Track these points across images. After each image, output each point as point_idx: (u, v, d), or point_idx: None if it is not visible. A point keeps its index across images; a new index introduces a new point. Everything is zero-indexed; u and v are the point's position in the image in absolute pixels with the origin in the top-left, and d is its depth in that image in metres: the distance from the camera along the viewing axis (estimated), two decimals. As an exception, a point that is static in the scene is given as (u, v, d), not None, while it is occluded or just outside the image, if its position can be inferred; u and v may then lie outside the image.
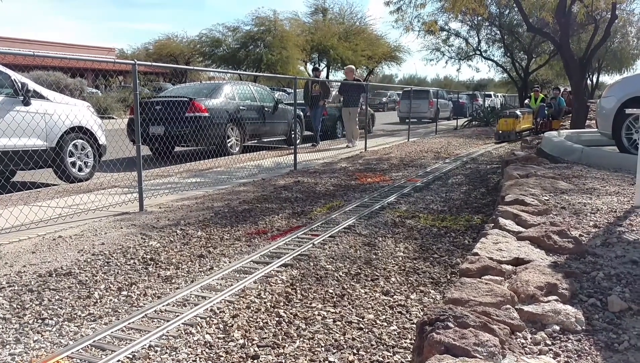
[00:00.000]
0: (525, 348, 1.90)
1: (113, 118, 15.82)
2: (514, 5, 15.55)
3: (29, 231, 4.66)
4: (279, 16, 33.25)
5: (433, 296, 3.10)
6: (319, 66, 38.59)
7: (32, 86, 6.77)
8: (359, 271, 3.56)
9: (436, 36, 27.24)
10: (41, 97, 6.87)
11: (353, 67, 13.20)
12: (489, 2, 18.80)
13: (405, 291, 3.20)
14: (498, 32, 27.65)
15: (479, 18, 24.42)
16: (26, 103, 6.53)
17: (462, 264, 2.66)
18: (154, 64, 7.05)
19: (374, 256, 3.88)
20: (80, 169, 7.47)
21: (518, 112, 15.01)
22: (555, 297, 2.27)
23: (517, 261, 2.74)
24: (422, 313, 2.76)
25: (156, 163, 9.61)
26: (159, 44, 38.97)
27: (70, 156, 7.25)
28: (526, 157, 6.78)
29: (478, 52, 29.60)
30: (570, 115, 16.74)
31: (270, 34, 31.77)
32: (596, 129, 8.10)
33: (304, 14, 37.67)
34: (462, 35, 29.15)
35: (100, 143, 7.73)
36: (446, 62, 31.76)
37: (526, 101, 15.93)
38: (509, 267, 2.67)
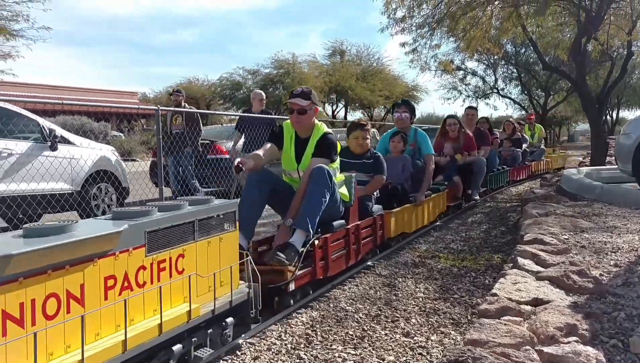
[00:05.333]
0: (546, 390, 1.91)
1: (136, 161, 16.16)
2: (530, 44, 15.72)
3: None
4: (297, 59, 33.93)
5: (454, 338, 3.09)
6: (334, 104, 38.82)
7: (59, 131, 7.01)
8: (379, 312, 3.57)
9: (452, 75, 27.61)
10: (67, 142, 7.10)
11: (262, 93, 9.35)
12: (504, 41, 19.01)
13: (426, 332, 3.20)
14: (515, 70, 27.90)
15: (495, 57, 24.67)
16: (53, 148, 6.75)
17: (481, 305, 2.68)
18: (175, 109, 7.27)
19: (394, 297, 3.89)
20: (103, 212, 7.63)
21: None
22: (575, 338, 2.27)
23: (536, 302, 2.75)
24: (442, 355, 2.76)
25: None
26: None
27: (94, 199, 7.43)
28: (545, 195, 6.77)
29: (495, 91, 29.82)
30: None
31: (289, 76, 32.35)
32: (616, 166, 8.07)
33: (322, 56, 38.24)
34: (478, 74, 29.49)
35: (124, 185, 7.91)
36: (463, 101, 32.06)
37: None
38: (528, 308, 2.67)
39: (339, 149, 4.22)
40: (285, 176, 4.35)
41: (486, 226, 6.77)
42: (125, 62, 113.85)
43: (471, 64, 28.50)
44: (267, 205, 4.23)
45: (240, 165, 3.95)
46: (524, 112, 31.39)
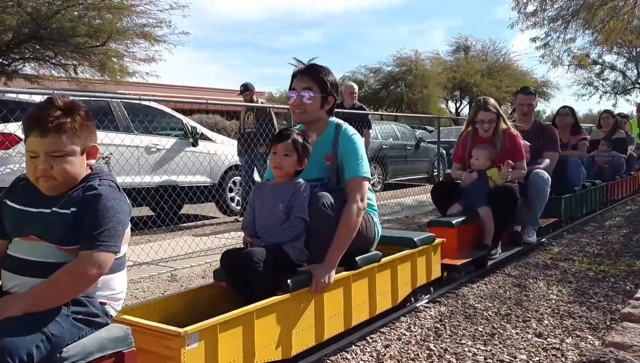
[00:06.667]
0: (698, 398, 1.83)
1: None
2: (680, 34, 14.33)
3: (199, 259, 5.22)
4: (420, 56, 33.56)
5: (591, 342, 2.99)
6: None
7: (200, 128, 7.62)
8: (509, 311, 3.54)
9: (588, 70, 25.84)
10: (207, 138, 7.69)
11: (353, 85, 8.53)
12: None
13: (560, 334, 3.13)
14: (661, 63, 25.52)
15: (638, 49, 22.73)
16: (195, 144, 7.35)
17: (623, 308, 2.58)
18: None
19: (525, 298, 3.82)
20: (238, 204, 8.16)
21: None
22: None
23: (688, 309, 2.59)
24: (580, 355, 2.70)
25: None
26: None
27: (229, 192, 7.97)
28: (697, 199, 6.20)
29: (637, 86, 27.46)
30: None
31: (411, 74, 32.09)
32: None
33: (446, 53, 37.41)
34: (618, 68, 27.31)
35: (255, 179, 8.40)
36: (600, 97, 29.85)
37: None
38: (678, 315, 2.53)
39: None
40: None
41: (627, 230, 6.34)
42: (252, 63, 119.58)
43: (609, 58, 26.45)
44: None
45: None
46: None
